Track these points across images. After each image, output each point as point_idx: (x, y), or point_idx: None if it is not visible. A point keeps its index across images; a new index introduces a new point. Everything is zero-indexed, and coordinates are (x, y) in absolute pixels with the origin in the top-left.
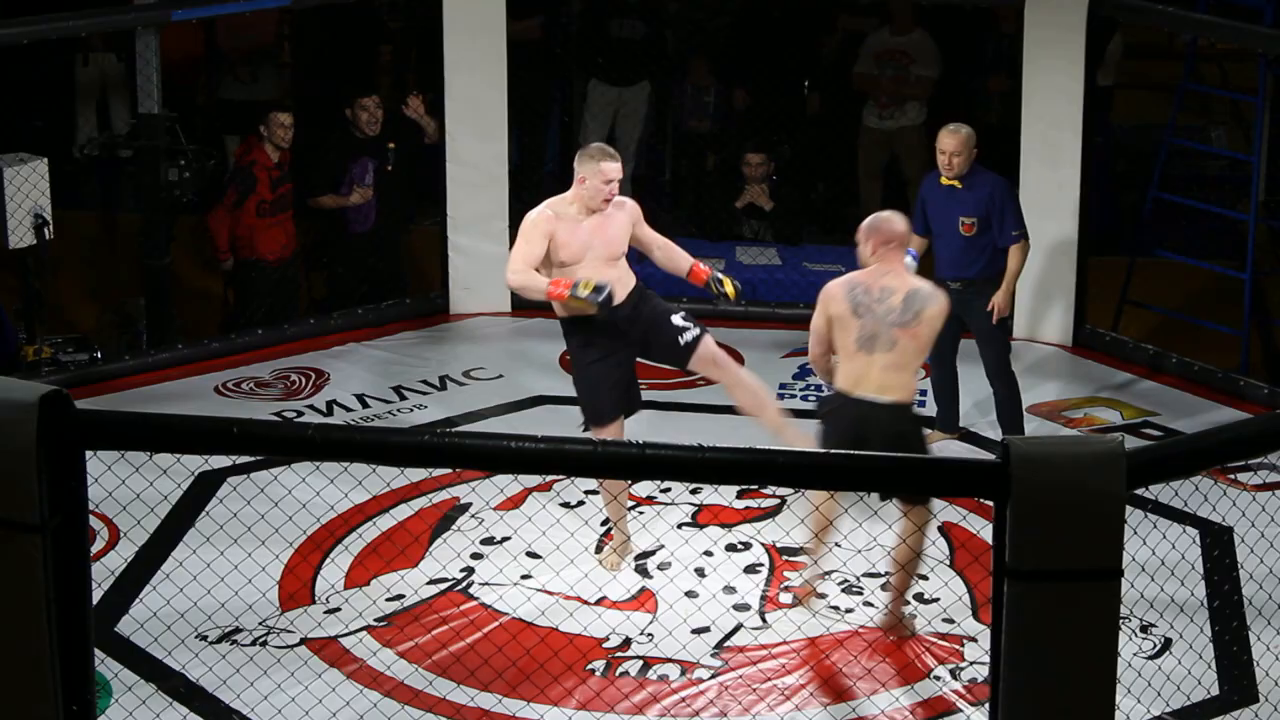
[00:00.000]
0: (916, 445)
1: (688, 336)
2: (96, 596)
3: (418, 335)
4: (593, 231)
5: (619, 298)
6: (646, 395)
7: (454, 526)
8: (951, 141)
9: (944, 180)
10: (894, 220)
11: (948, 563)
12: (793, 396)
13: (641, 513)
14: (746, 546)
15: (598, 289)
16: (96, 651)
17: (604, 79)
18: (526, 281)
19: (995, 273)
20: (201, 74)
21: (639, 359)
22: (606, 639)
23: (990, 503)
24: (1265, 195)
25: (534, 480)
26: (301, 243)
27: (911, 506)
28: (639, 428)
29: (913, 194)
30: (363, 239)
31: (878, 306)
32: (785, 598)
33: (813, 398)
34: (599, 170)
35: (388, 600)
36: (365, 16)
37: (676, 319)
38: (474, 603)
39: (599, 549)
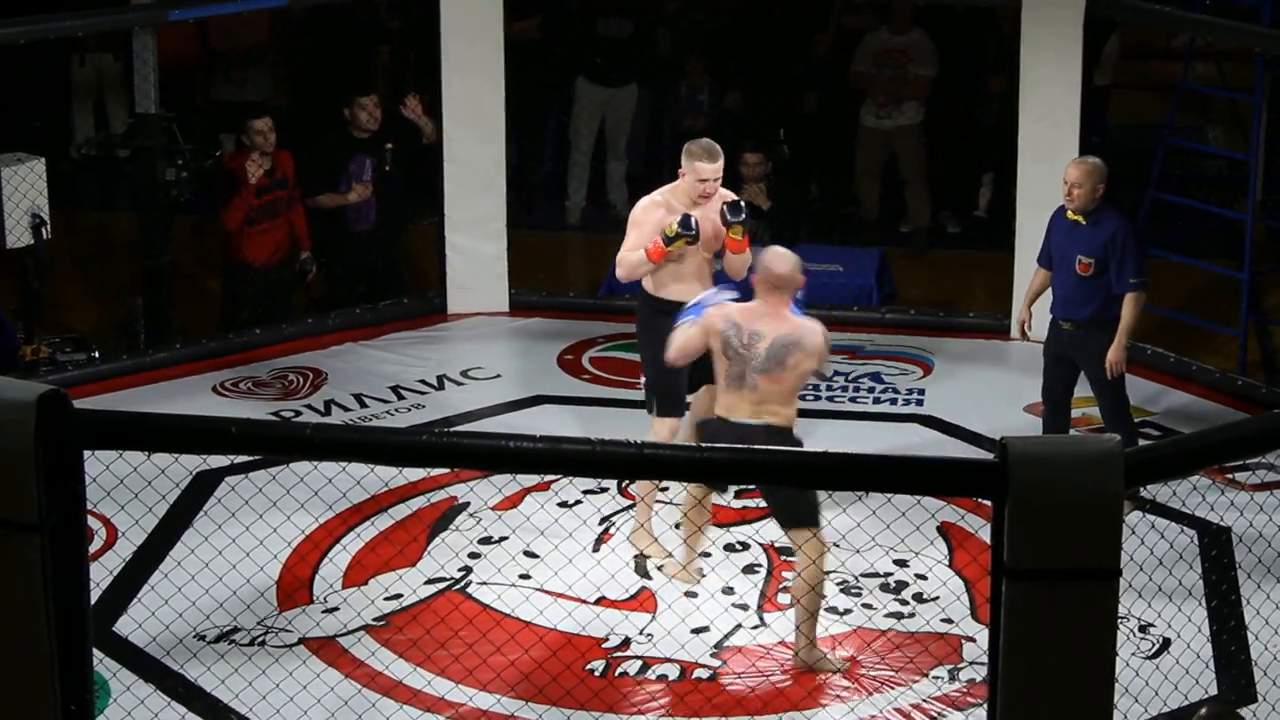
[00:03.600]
0: None
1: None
2: (94, 596)
3: (416, 335)
4: (702, 224)
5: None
6: (624, 395)
7: (452, 526)
8: (1074, 171)
9: (1069, 214)
10: (777, 260)
11: (946, 562)
12: None
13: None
14: (745, 547)
15: (684, 222)
16: (95, 651)
17: (592, 79)
18: (630, 263)
19: (1109, 318)
20: (199, 74)
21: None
22: (605, 639)
23: (988, 502)
24: (1263, 195)
25: (532, 480)
26: (291, 247)
27: (802, 536)
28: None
29: (910, 194)
30: (363, 238)
31: (745, 351)
32: (784, 598)
33: (809, 397)
34: (694, 169)
35: (386, 600)
36: (363, 17)
37: None
38: (472, 602)
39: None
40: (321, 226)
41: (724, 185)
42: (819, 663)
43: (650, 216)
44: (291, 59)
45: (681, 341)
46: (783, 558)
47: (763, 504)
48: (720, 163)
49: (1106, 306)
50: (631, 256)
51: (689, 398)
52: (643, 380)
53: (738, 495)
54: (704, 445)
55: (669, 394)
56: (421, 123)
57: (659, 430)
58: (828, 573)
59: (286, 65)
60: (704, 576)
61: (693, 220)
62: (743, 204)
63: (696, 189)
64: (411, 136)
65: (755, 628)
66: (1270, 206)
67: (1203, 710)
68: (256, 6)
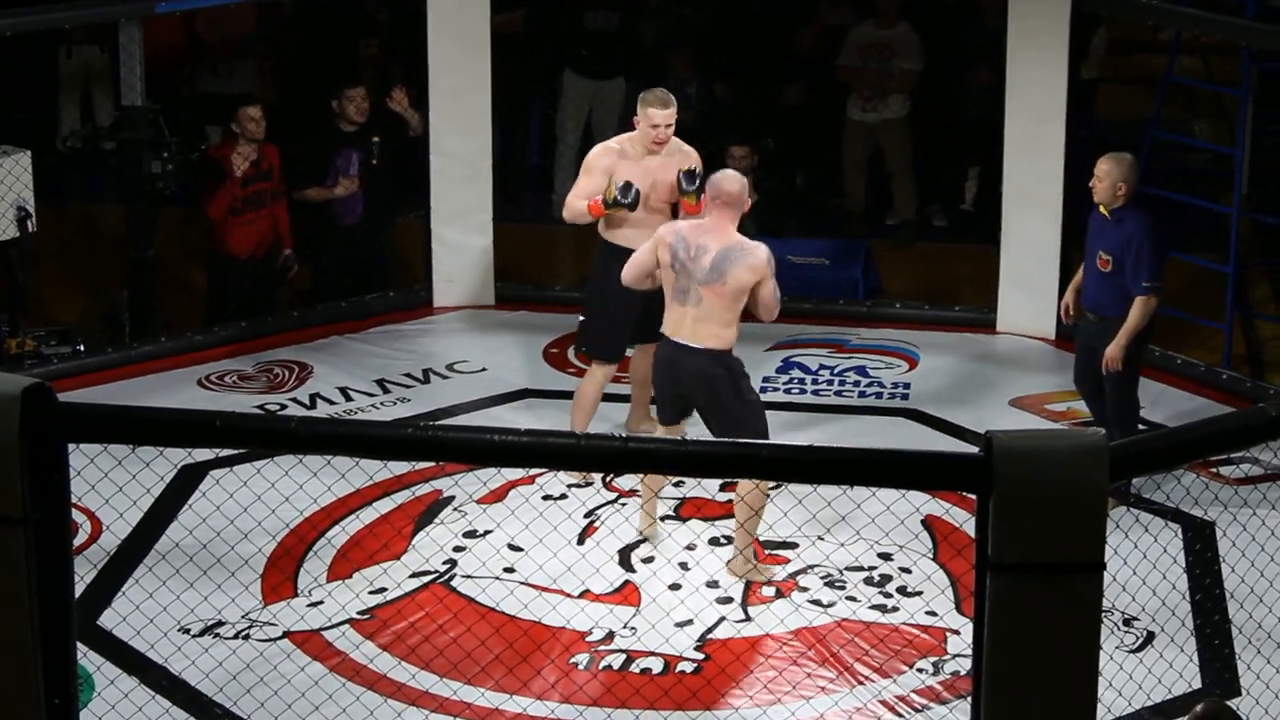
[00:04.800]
0: (724, 389)
1: None
2: (79, 590)
3: (401, 328)
4: (655, 171)
5: None
6: (610, 389)
7: (437, 519)
8: (1101, 165)
9: (1101, 209)
10: (728, 179)
11: (931, 556)
12: (775, 389)
13: (624, 505)
14: (730, 540)
15: (624, 188)
16: (79, 645)
17: (579, 72)
18: (574, 210)
19: (1126, 315)
20: (186, 66)
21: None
22: (590, 632)
23: (973, 496)
24: (1248, 189)
25: (517, 473)
26: (275, 242)
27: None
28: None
29: (896, 187)
30: (350, 231)
31: (691, 264)
32: (768, 591)
33: (795, 391)
34: (646, 115)
35: (370, 593)
36: (351, 10)
37: None
38: (456, 596)
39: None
40: (308, 220)
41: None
42: (750, 573)
43: (600, 163)
44: (279, 52)
45: (634, 259)
46: (767, 551)
47: None
48: (672, 109)
49: (1124, 304)
50: (576, 204)
51: (628, 351)
52: (580, 319)
53: (723, 488)
54: (688, 440)
55: (606, 339)
56: (408, 115)
57: (596, 373)
58: (811, 566)
59: (273, 58)
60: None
61: (632, 191)
62: (697, 171)
63: (649, 135)
64: (398, 130)
65: (740, 621)
66: (1256, 200)
67: (1198, 707)
68: None
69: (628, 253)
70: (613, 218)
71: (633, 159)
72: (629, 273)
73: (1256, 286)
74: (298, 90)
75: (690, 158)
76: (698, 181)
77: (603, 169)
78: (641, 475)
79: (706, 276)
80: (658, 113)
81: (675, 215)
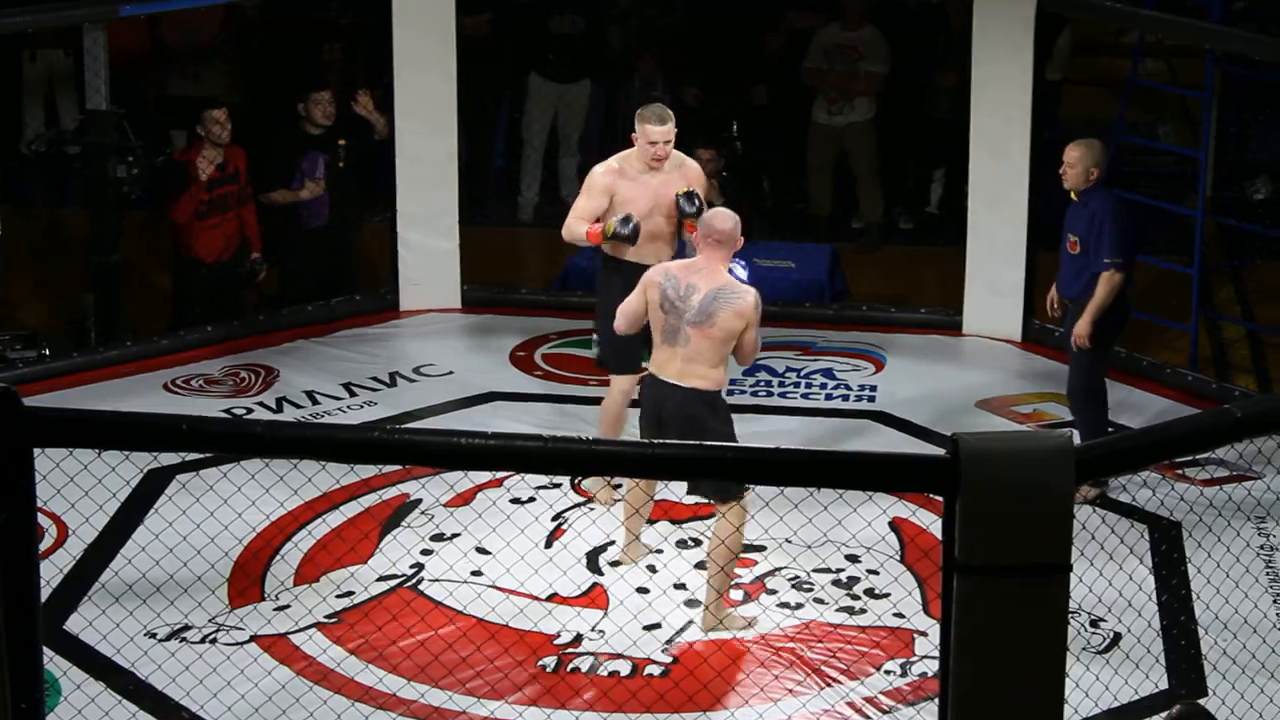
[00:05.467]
0: (707, 428)
1: None
2: (45, 594)
3: (368, 332)
4: (656, 189)
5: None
6: (578, 391)
7: (404, 523)
8: (1069, 153)
9: (1072, 194)
10: (720, 217)
11: (898, 558)
12: (742, 393)
13: (592, 508)
14: (697, 543)
15: (624, 220)
16: (45, 649)
17: (545, 75)
18: (573, 232)
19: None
20: (151, 70)
21: None
22: (557, 635)
23: (940, 498)
24: (1213, 190)
25: (484, 476)
26: (242, 245)
27: (728, 505)
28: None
29: (862, 190)
30: (316, 235)
31: (680, 303)
32: (735, 594)
33: (762, 393)
34: (644, 132)
35: (338, 597)
36: (314, 13)
37: None
38: (424, 599)
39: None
40: (274, 223)
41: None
42: (726, 620)
43: (600, 182)
44: (244, 55)
45: (625, 308)
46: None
47: None
48: (670, 125)
49: (1092, 286)
50: (576, 228)
51: (625, 481)
52: (595, 336)
53: (690, 491)
54: (655, 441)
55: (618, 352)
56: (373, 119)
57: (617, 385)
58: (778, 568)
59: (239, 61)
60: (650, 551)
61: (631, 223)
62: (697, 195)
63: (647, 152)
64: (364, 133)
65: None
66: (1220, 202)
67: (1174, 710)
68: (208, 2)
69: (630, 267)
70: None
71: (632, 177)
72: (621, 322)
73: (1221, 288)
74: (263, 93)
75: (693, 172)
76: (697, 204)
77: (602, 189)
78: (625, 493)
79: (694, 317)
80: (655, 129)
81: (680, 231)
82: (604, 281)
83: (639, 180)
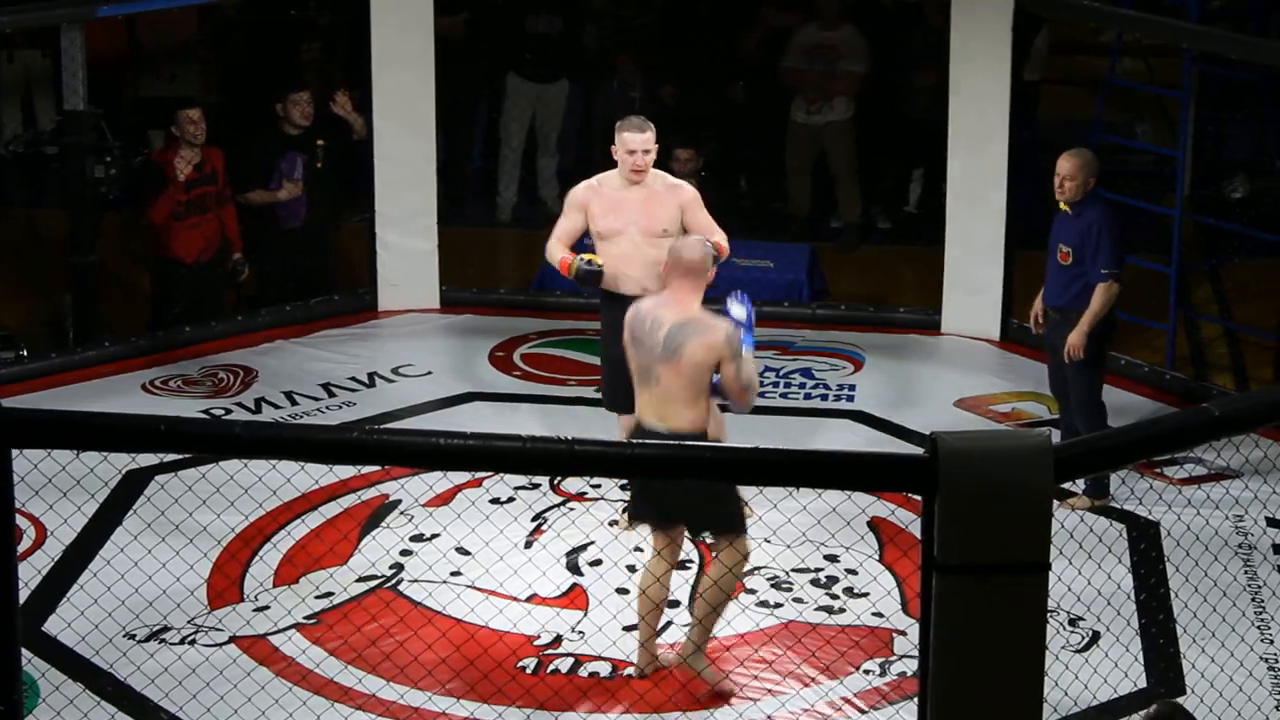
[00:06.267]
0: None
1: None
2: (23, 596)
3: (346, 332)
4: (636, 206)
5: (651, 290)
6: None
7: (383, 524)
8: (1064, 164)
9: (1061, 205)
10: (688, 246)
11: (877, 557)
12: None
13: (572, 509)
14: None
15: (587, 263)
16: (24, 651)
17: (522, 75)
18: (551, 256)
19: (1087, 307)
20: (127, 71)
21: None
22: (537, 636)
23: (919, 497)
24: (1190, 190)
25: (463, 477)
26: (221, 246)
27: (725, 545)
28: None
29: (840, 189)
30: (294, 235)
31: (647, 339)
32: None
33: None
34: (621, 140)
35: (317, 598)
36: (291, 12)
37: None
38: (403, 600)
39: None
40: (252, 224)
41: None
42: (703, 672)
43: (575, 199)
44: (220, 56)
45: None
46: (714, 554)
47: None
48: (649, 134)
49: (1085, 296)
50: (553, 251)
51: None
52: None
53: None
54: (634, 442)
55: (610, 388)
56: (351, 119)
57: (620, 425)
58: (757, 567)
59: (216, 62)
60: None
61: (594, 268)
62: (706, 244)
63: (626, 162)
64: (342, 134)
65: (687, 624)
66: (1198, 201)
67: (1152, 709)
68: (186, 2)
69: (617, 298)
70: (607, 263)
71: (609, 193)
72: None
73: (1199, 287)
74: (240, 94)
75: (687, 195)
76: (711, 256)
77: (577, 205)
78: (655, 551)
79: (661, 353)
80: (632, 136)
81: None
82: (602, 313)
83: (617, 195)
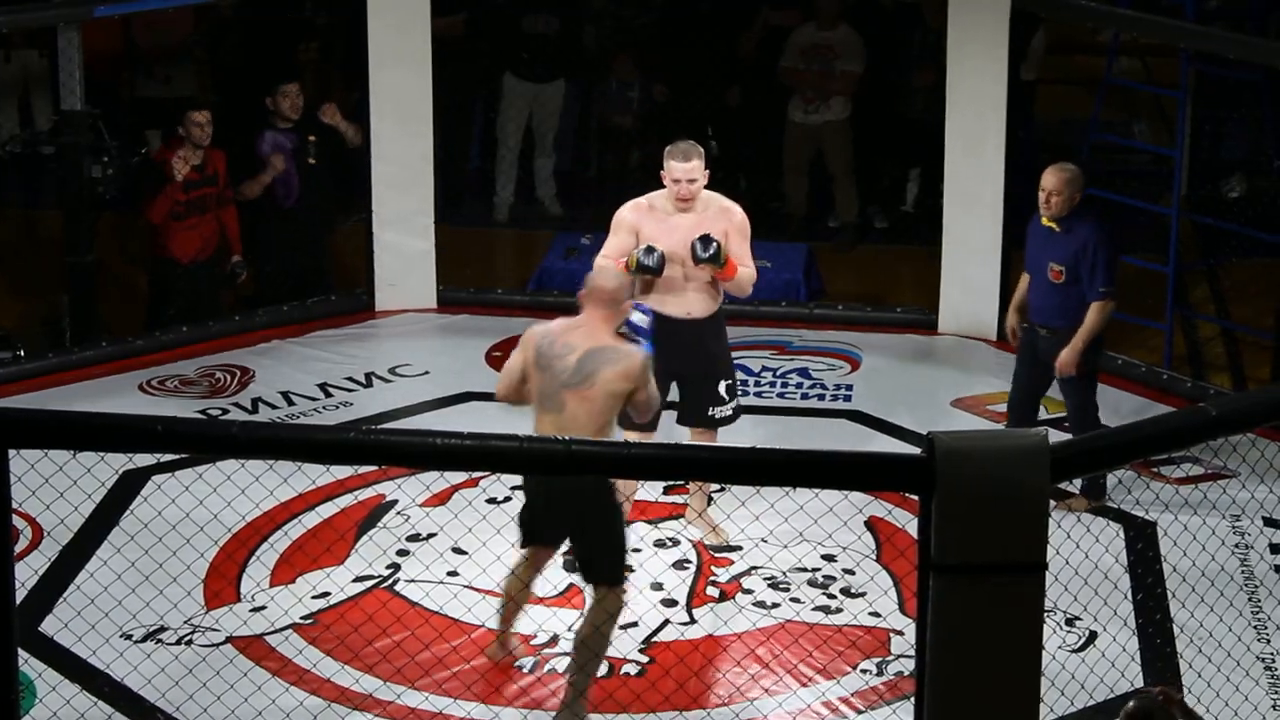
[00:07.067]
0: (592, 503)
1: (718, 411)
2: (20, 596)
3: (343, 332)
4: (688, 230)
5: (696, 313)
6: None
7: (380, 524)
8: (1051, 179)
9: (1044, 221)
10: (603, 275)
11: (874, 557)
12: None
13: None
14: (675, 543)
15: (648, 250)
16: (20, 651)
17: (519, 75)
18: (599, 268)
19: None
20: (125, 70)
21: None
22: (534, 635)
23: (916, 497)
24: (1187, 189)
25: (460, 477)
26: (220, 247)
27: (605, 592)
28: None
29: (837, 189)
30: (293, 217)
31: (556, 363)
32: (712, 593)
33: (738, 393)
34: (668, 169)
35: (314, 598)
36: (289, 13)
37: (723, 386)
38: (400, 600)
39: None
40: (248, 220)
41: (649, 180)
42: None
43: (626, 220)
44: (216, 56)
45: (504, 367)
46: (711, 554)
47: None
48: (695, 163)
49: (1080, 314)
50: (603, 267)
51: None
52: None
53: (666, 491)
54: (631, 443)
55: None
56: (342, 128)
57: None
58: (749, 569)
59: (211, 62)
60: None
61: (655, 254)
62: (713, 238)
63: (672, 190)
64: (336, 142)
65: (684, 624)
66: (1195, 201)
67: (1129, 705)
68: (183, 2)
69: (656, 317)
70: (644, 280)
71: (660, 216)
72: (500, 385)
73: (1196, 287)
74: (238, 94)
75: (737, 219)
76: (711, 250)
77: (628, 226)
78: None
79: (569, 379)
80: (678, 165)
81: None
82: None
83: (668, 220)
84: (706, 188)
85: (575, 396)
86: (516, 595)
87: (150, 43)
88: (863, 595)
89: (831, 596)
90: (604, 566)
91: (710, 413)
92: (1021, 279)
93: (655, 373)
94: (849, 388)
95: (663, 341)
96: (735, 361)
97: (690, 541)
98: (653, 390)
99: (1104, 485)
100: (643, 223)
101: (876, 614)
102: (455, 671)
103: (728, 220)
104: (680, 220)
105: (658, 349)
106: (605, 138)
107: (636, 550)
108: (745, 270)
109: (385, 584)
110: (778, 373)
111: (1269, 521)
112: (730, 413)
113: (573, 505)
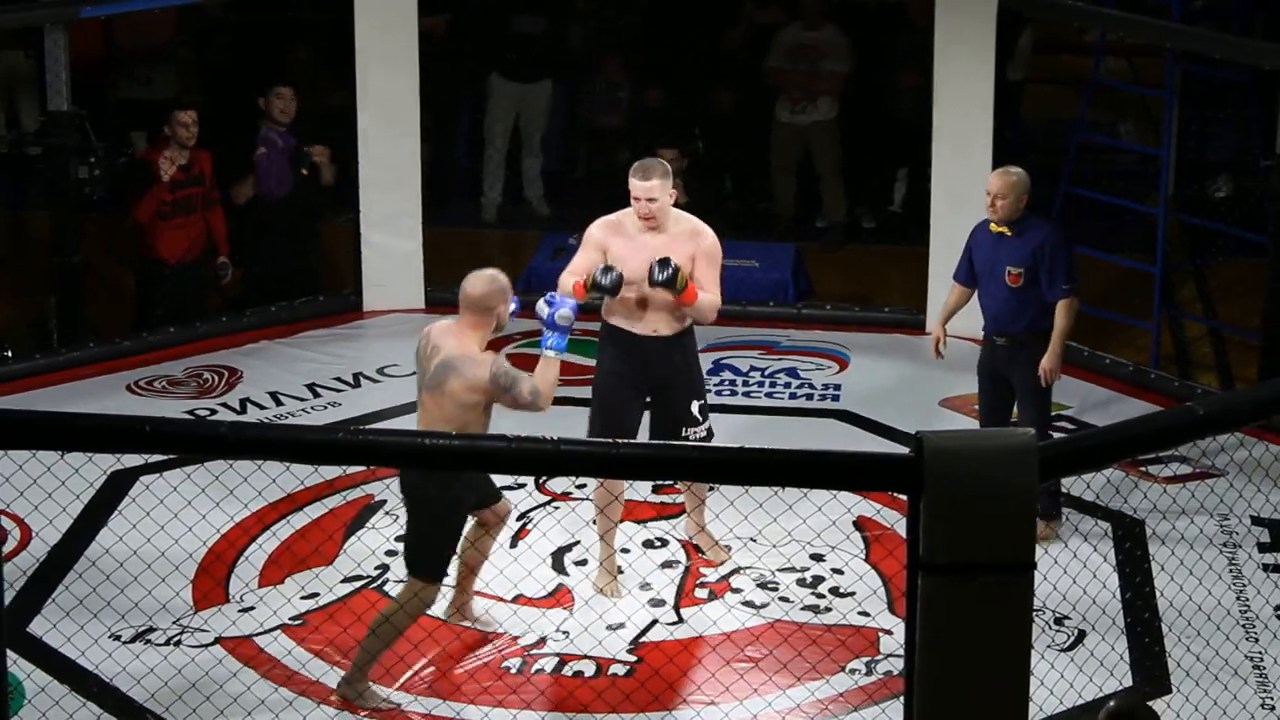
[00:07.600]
0: (433, 508)
1: (692, 433)
2: (9, 597)
3: (331, 332)
4: (653, 250)
5: (662, 331)
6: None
7: (368, 524)
8: (997, 183)
9: (993, 227)
10: (472, 281)
11: (863, 557)
12: (708, 391)
13: (557, 508)
14: (663, 543)
15: (604, 269)
16: (9, 652)
17: (506, 75)
18: (564, 287)
19: (1044, 328)
20: (106, 72)
21: (647, 401)
22: (522, 636)
23: (904, 496)
24: (1174, 189)
25: None
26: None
27: (416, 588)
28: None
29: (825, 189)
30: (279, 204)
31: (423, 363)
32: (701, 593)
33: (726, 393)
34: (630, 186)
35: (302, 598)
36: (277, 14)
37: (695, 406)
38: (389, 600)
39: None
40: (237, 222)
41: None
42: (362, 696)
43: (594, 237)
44: (203, 56)
45: None
46: (700, 554)
47: (680, 500)
48: (655, 181)
49: (1040, 317)
50: (565, 282)
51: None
52: None
53: (655, 490)
54: (619, 441)
55: (598, 425)
56: (323, 166)
57: None
58: (739, 568)
59: (198, 62)
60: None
61: (612, 275)
62: (671, 261)
63: (636, 207)
64: (326, 137)
65: (672, 624)
66: (1182, 200)
67: (1110, 704)
68: (170, 4)
69: (620, 334)
70: (611, 299)
71: (629, 234)
72: None
73: (1183, 286)
74: (224, 95)
75: (706, 243)
76: (669, 271)
77: (595, 243)
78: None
79: (427, 381)
80: (638, 184)
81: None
82: (599, 347)
83: (635, 240)
84: (704, 192)
85: (430, 399)
86: (471, 560)
87: (132, 44)
88: (851, 595)
89: (820, 596)
90: (417, 558)
91: (685, 433)
92: (952, 289)
93: (618, 389)
94: (837, 387)
95: (629, 358)
96: (723, 361)
97: (679, 541)
98: (523, 392)
99: (1060, 507)
100: (610, 241)
101: (865, 613)
102: (444, 672)
103: (695, 244)
104: (648, 240)
105: (625, 365)
106: (593, 138)
107: (625, 550)
108: (706, 296)
109: (374, 585)
110: (766, 372)
111: (1257, 520)
112: (704, 434)
113: (410, 503)
